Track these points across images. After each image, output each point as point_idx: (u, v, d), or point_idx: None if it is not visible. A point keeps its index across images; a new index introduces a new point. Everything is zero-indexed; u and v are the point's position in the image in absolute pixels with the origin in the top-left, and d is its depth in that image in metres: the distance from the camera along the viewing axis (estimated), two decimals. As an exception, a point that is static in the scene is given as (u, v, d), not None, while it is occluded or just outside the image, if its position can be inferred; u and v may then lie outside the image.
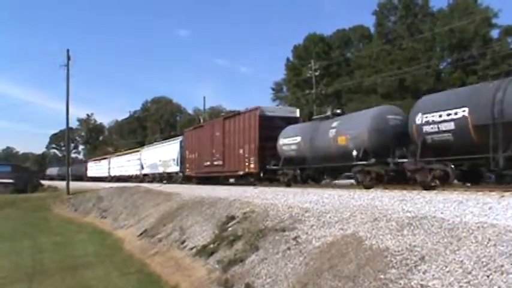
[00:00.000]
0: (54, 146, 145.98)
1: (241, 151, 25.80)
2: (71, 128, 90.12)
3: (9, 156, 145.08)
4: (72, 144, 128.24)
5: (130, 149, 66.19)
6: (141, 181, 47.67)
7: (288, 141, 21.69)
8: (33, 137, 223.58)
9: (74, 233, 24.89)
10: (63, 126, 58.69)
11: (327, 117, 20.68)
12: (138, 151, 55.15)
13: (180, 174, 38.08)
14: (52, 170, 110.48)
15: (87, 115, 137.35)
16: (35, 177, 74.95)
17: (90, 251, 18.57)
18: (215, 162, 29.59)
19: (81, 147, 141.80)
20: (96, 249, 19.00)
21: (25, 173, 71.43)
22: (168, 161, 41.93)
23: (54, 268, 15.44)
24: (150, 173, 48.02)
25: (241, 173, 26.21)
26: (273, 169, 23.07)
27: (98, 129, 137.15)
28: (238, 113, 28.15)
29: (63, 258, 17.20)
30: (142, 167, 50.84)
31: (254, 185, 23.95)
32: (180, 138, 40.54)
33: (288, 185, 21.58)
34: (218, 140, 29.20)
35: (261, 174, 24.31)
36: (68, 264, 15.85)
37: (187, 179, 36.47)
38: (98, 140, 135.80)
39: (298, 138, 20.85)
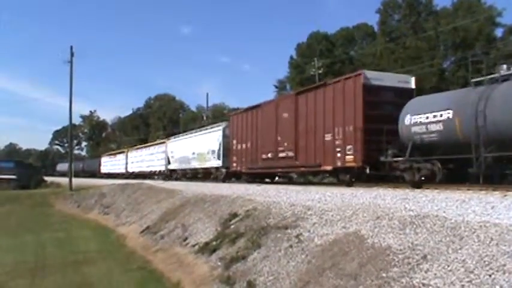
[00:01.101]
0: (57, 142, 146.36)
1: (328, 137, 19.08)
2: (74, 125, 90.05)
3: (12, 153, 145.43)
4: (75, 141, 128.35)
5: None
6: (167, 178, 42.58)
7: (424, 119, 14.83)
8: (36, 133, 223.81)
9: (76, 229, 24.93)
10: (66, 123, 57.42)
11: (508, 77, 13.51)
12: (163, 142, 47.38)
13: (223, 170, 30.51)
14: (63, 166, 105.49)
15: (90, 112, 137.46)
16: (38, 173, 74.91)
17: (92, 247, 18.61)
18: (281, 154, 22.82)
19: (84, 143, 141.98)
20: (98, 246, 19.04)
21: (28, 169, 71.46)
22: (205, 154, 33.87)
23: (56, 264, 15.48)
24: (179, 169, 40.68)
25: (328, 168, 19.39)
26: (390, 162, 16.43)
27: (101, 125, 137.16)
28: (324, 84, 20.58)
29: (65, 254, 17.24)
30: (168, 162, 43.55)
31: (349, 184, 17.99)
32: (223, 124, 32.37)
33: (417, 185, 14.87)
34: (286, 123, 22.49)
35: (367, 169, 17.46)
36: (71, 260, 15.88)
37: (233, 176, 30.14)
38: (101, 136, 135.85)
39: (447, 114, 14.10)
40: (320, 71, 57.98)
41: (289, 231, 10.43)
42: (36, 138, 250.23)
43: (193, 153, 36.33)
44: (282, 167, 23.67)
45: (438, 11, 57.27)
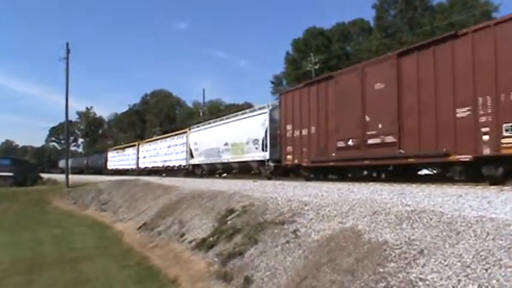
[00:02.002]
0: (53, 139, 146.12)
1: (463, 112, 13.29)
2: (71, 121, 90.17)
3: (8, 150, 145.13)
4: (72, 138, 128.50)
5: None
6: (188, 174, 37.48)
7: None
8: (32, 130, 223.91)
9: (73, 225, 24.88)
10: (63, 120, 56.93)
11: None
12: (183, 132, 40.58)
13: (270, 164, 24.20)
14: (64, 163, 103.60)
15: (87, 108, 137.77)
16: (34, 170, 74.68)
17: (89, 244, 18.58)
18: (372, 140, 16.88)
19: (80, 140, 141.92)
20: (95, 242, 19.01)
21: (25, 166, 71.26)
22: (243, 144, 27.70)
23: (53, 261, 15.45)
24: (205, 163, 34.07)
25: (464, 157, 13.25)
26: None
27: (98, 122, 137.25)
28: (453, 36, 14.02)
29: (62, 251, 17.21)
30: (191, 155, 36.80)
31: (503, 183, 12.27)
32: (268, 106, 25.68)
33: None
34: (381, 97, 16.55)
35: None
36: (68, 257, 15.85)
37: (284, 171, 23.76)
38: (97, 133, 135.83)
39: None
40: (316, 67, 58.04)
41: (286, 226, 10.44)
42: (33, 135, 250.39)
43: (226, 144, 29.97)
44: (374, 158, 16.95)
45: (434, 7, 57.44)
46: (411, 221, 7.92)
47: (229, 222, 13.13)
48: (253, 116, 27.28)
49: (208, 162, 33.30)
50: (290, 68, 71.15)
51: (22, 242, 19.73)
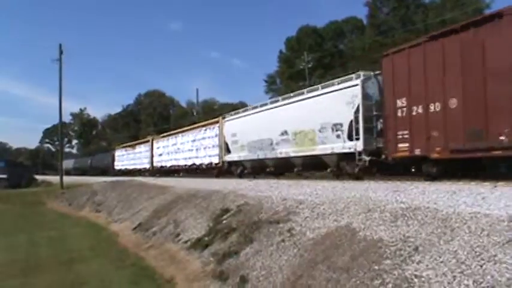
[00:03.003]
0: (47, 140, 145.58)
1: None
2: (64, 123, 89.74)
3: (2, 152, 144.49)
4: (66, 139, 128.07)
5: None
6: (222, 173, 30.74)
7: None
8: (26, 132, 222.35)
9: (68, 227, 24.81)
10: (57, 121, 56.31)
11: None
12: (215, 122, 31.95)
13: (365, 158, 17.08)
14: (66, 163, 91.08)
15: (80, 109, 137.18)
16: (28, 172, 74.44)
17: (84, 245, 18.53)
18: None
19: (74, 141, 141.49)
20: (90, 243, 18.96)
21: (19, 168, 71.08)
22: (314, 132, 20.14)
23: (49, 263, 15.40)
24: (248, 160, 26.33)
25: None
26: None
27: (91, 123, 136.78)
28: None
29: (58, 253, 17.15)
30: (227, 150, 29.02)
31: None
32: (359, 77, 17.93)
33: None
34: None
35: None
36: (63, 259, 15.81)
37: (386, 167, 16.86)
38: (91, 134, 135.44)
39: None
40: (310, 65, 58.10)
41: (281, 225, 10.44)
42: (27, 137, 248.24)
43: (284, 133, 22.37)
44: None
45: (427, 4, 57.54)
46: (406, 218, 7.93)
47: (224, 221, 13.13)
48: (333, 91, 19.14)
49: (254, 158, 25.37)
50: (284, 67, 71.13)
51: (17, 244, 19.65)
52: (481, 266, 5.65)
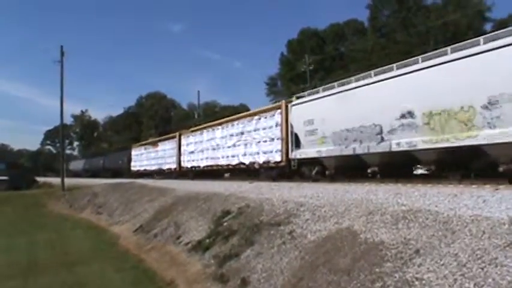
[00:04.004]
0: (48, 142, 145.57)
1: None
2: (66, 125, 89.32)
3: (3, 153, 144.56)
4: (67, 141, 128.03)
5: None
6: (285, 176, 22.92)
7: None
8: (27, 133, 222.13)
9: (69, 229, 24.81)
10: (58, 123, 56.05)
11: None
12: (275, 108, 24.53)
13: None
14: (76, 164, 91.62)
15: (82, 111, 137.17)
16: (30, 173, 74.34)
17: (85, 247, 18.53)
18: None
19: (75, 143, 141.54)
20: (91, 245, 18.96)
21: (20, 170, 71.06)
22: (471, 111, 12.96)
23: (49, 264, 15.39)
24: (333, 156, 18.83)
25: None
26: None
27: (93, 125, 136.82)
28: None
29: (58, 255, 17.15)
30: (295, 144, 21.56)
31: None
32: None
33: None
34: None
35: None
36: (64, 261, 15.80)
37: None
38: (93, 136, 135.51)
39: None
40: (311, 67, 58.12)
41: (282, 227, 10.43)
42: (28, 139, 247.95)
43: (405, 116, 15.30)
44: None
45: (428, 6, 57.61)
46: (407, 221, 7.93)
47: (225, 223, 13.13)
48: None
49: (345, 153, 18.03)
50: (285, 69, 71.29)
51: (17, 246, 19.65)
52: (482, 269, 5.64)
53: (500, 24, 50.50)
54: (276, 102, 36.71)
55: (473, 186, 11.31)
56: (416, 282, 6.03)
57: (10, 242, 20.84)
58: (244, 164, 26.97)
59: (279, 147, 23.21)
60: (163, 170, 42.56)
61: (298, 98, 22.25)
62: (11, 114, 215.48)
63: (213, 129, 32.29)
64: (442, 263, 6.15)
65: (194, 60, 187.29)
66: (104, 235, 21.56)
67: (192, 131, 37.27)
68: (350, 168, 18.75)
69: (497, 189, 9.80)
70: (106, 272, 13.94)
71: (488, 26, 52.37)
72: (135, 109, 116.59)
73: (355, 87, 17.99)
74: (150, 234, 17.34)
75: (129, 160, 53.86)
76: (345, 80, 19.31)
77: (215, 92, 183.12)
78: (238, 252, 10.58)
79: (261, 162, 25.06)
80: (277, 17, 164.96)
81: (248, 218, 12.37)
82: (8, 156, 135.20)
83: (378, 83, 16.77)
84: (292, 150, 21.88)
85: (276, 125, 23.78)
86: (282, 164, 22.84)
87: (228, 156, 29.23)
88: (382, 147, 16.22)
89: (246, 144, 26.90)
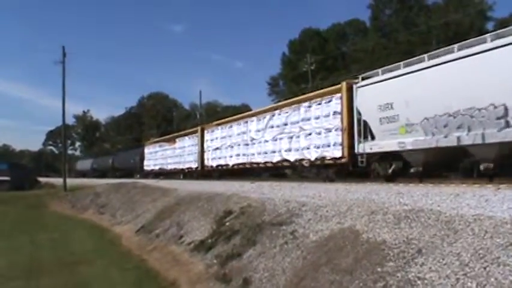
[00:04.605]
0: (50, 143, 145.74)
1: None
2: (67, 125, 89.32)
3: (5, 154, 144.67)
4: (69, 141, 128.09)
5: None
6: (346, 175, 19.62)
7: None
8: (29, 134, 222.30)
9: (71, 229, 24.83)
10: (60, 123, 54.69)
11: None
12: (334, 91, 20.41)
13: None
14: (83, 164, 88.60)
15: (84, 112, 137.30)
16: (32, 174, 74.36)
17: (88, 248, 18.54)
18: None
19: (77, 143, 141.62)
20: (94, 246, 18.98)
21: (22, 170, 71.12)
22: None
23: (52, 265, 15.40)
24: (427, 147, 14.85)
25: None
26: None
27: (94, 125, 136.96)
28: None
29: (61, 255, 17.16)
30: (362, 135, 17.82)
31: None
32: None
33: None
34: None
35: None
36: (66, 261, 15.80)
37: None
38: (95, 136, 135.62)
39: None
40: (312, 67, 58.08)
41: (284, 227, 10.43)
42: (30, 140, 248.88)
43: None
44: None
45: (430, 6, 57.60)
46: (409, 220, 7.92)
47: (227, 223, 13.12)
48: None
49: (442, 144, 14.34)
50: (286, 69, 71.27)
51: (20, 247, 19.66)
52: (485, 268, 5.63)
53: (502, 24, 50.52)
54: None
55: (476, 185, 11.31)
56: (419, 282, 6.03)
57: (13, 243, 20.86)
58: (288, 161, 22.88)
59: (339, 139, 19.13)
60: (183, 170, 38.59)
61: (364, 78, 18.19)
62: (13, 115, 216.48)
63: (246, 121, 27.92)
64: (444, 262, 6.14)
65: (196, 61, 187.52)
66: (107, 235, 21.58)
67: (218, 124, 33.11)
68: (444, 165, 15.58)
69: (499, 189, 9.79)
70: (108, 272, 13.95)
71: (490, 25, 52.33)
72: (137, 109, 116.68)
73: (460, 58, 13.89)
74: (153, 234, 17.34)
75: (142, 159, 50.21)
76: (440, 50, 15.40)
77: (217, 92, 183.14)
78: (241, 252, 10.57)
79: (312, 158, 20.80)
80: (278, 17, 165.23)
81: (250, 217, 12.37)
82: (10, 156, 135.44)
83: (500, 49, 12.67)
84: (359, 143, 17.81)
85: (334, 113, 19.59)
86: (343, 160, 18.85)
87: (266, 153, 24.97)
88: (504, 135, 12.20)
89: (291, 138, 22.56)
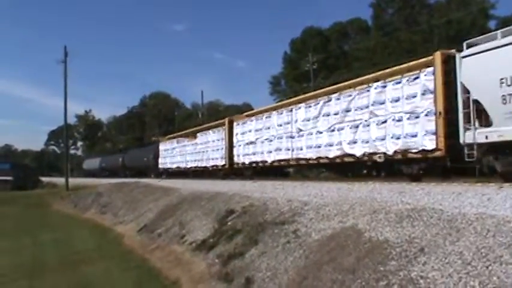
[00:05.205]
0: (52, 142, 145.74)
1: None
2: (70, 125, 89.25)
3: (8, 154, 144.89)
4: (71, 141, 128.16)
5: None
6: (446, 175, 15.02)
7: None
8: (31, 134, 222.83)
9: (73, 229, 24.88)
10: (62, 123, 53.75)
11: None
12: (424, 64, 15.74)
13: None
14: (91, 163, 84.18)
15: (86, 111, 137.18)
16: (34, 174, 74.56)
17: (90, 247, 18.57)
18: None
19: (79, 143, 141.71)
20: (96, 245, 19.01)
21: (24, 170, 71.29)
22: None
23: (54, 264, 15.45)
24: None
25: None
26: None
27: (97, 125, 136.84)
28: None
29: (63, 255, 17.21)
30: (484, 121, 12.64)
31: None
32: None
33: None
34: None
35: None
36: (69, 261, 15.85)
37: None
38: (97, 136, 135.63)
39: None
40: (314, 66, 58.02)
41: (286, 226, 10.42)
42: (32, 139, 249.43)
43: None
44: None
45: (432, 4, 57.44)
46: (411, 219, 7.91)
47: (229, 223, 13.12)
48: None
49: None
50: (288, 68, 71.09)
51: (23, 247, 19.72)
52: (487, 267, 5.62)
53: (504, 22, 50.44)
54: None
55: (478, 184, 11.29)
56: (421, 281, 6.02)
57: (16, 243, 20.93)
58: (353, 155, 18.26)
59: (431, 126, 14.67)
60: (206, 168, 33.92)
61: (470, 46, 13.42)
62: (15, 115, 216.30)
63: (290, 110, 23.28)
64: (446, 261, 6.14)
65: (197, 60, 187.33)
66: (109, 235, 21.61)
67: (250, 115, 29.29)
68: None
69: (501, 187, 9.78)
70: (111, 271, 13.99)
71: (492, 24, 52.22)
72: (139, 109, 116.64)
73: None
74: (155, 233, 17.35)
75: (156, 156, 45.38)
76: None
77: (219, 91, 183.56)
78: (243, 251, 10.57)
79: (390, 152, 16.34)
80: (280, 16, 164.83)
81: (252, 217, 12.36)
82: (13, 156, 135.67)
83: None
84: (465, 130, 13.09)
85: (424, 93, 15.10)
86: (437, 153, 14.44)
87: (319, 146, 20.41)
88: None
89: (356, 127, 18.13)
